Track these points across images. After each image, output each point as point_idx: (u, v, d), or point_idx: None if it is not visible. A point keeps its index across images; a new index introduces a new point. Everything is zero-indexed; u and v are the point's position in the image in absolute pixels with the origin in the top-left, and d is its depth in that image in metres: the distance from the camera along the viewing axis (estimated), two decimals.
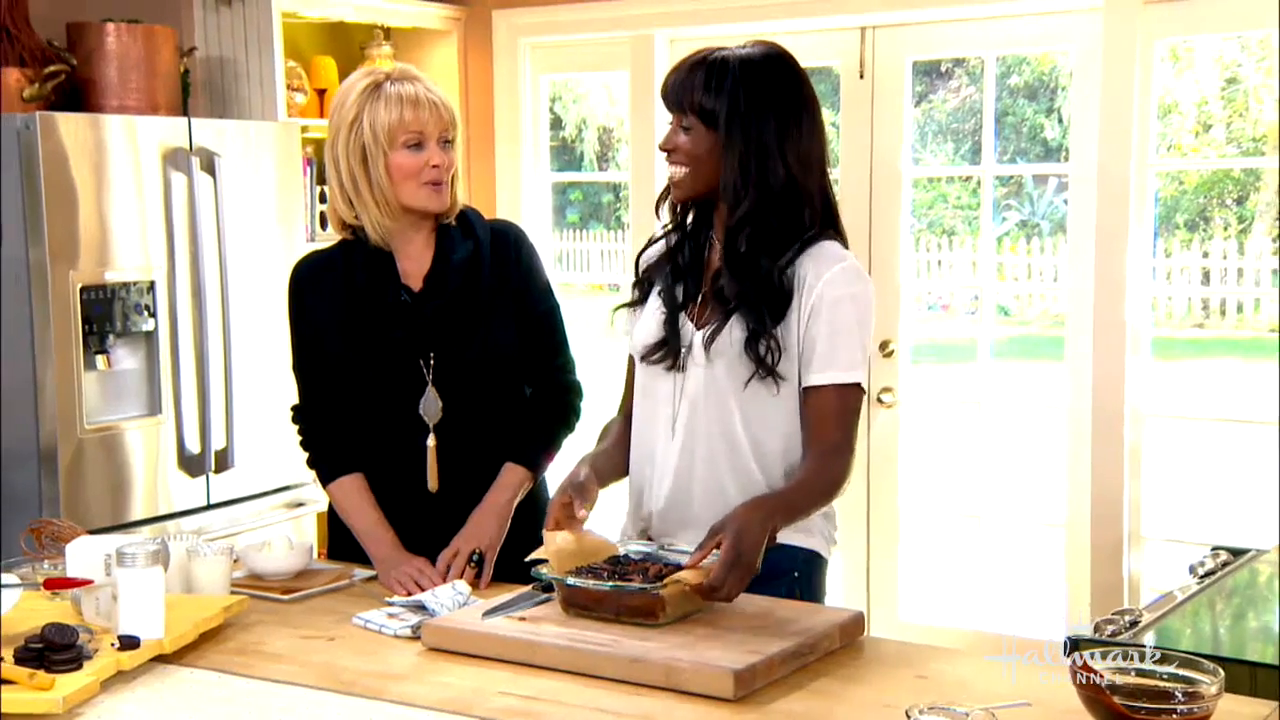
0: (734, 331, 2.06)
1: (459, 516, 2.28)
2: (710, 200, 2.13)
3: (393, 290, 2.28)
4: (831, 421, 2.05)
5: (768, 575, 1.97)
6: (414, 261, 2.30)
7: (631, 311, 2.23)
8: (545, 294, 2.38)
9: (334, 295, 2.31)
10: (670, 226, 2.21)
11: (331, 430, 2.35)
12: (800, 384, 2.07)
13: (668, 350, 2.12)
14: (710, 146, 2.07)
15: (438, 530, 2.27)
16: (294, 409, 2.41)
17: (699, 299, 2.14)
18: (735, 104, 2.05)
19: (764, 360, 2.03)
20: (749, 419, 2.09)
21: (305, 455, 2.40)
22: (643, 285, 2.22)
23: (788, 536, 2.05)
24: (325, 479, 2.36)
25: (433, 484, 2.29)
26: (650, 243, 2.26)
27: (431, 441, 2.28)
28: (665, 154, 2.13)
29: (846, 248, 2.12)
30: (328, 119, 2.31)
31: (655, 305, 2.17)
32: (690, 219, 2.18)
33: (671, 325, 2.13)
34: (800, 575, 2.14)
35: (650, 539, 2.17)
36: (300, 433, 2.40)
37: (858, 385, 2.07)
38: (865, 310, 2.08)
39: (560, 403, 2.39)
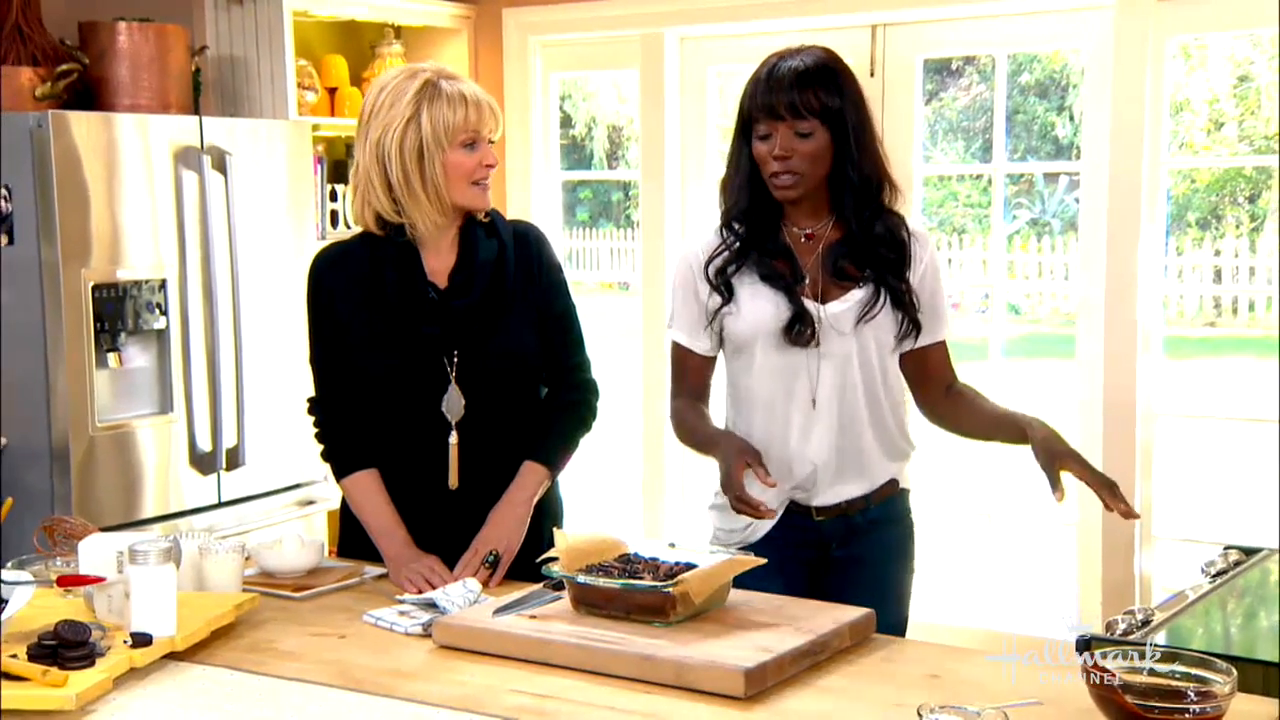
0: (883, 298, 2.26)
1: (478, 514, 2.28)
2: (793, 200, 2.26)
3: (422, 286, 2.28)
4: (951, 366, 2.37)
5: (889, 520, 2.36)
6: (440, 259, 2.30)
7: (713, 320, 2.30)
8: (564, 294, 2.39)
9: (358, 288, 2.30)
10: (729, 237, 2.30)
11: (348, 424, 2.34)
12: (920, 342, 2.32)
13: (803, 325, 2.24)
14: (825, 147, 2.22)
15: (456, 527, 2.28)
16: (310, 401, 2.39)
17: (803, 280, 2.27)
18: (854, 101, 2.24)
19: (913, 316, 2.27)
20: (886, 375, 2.31)
21: (320, 448, 2.38)
22: (726, 288, 2.29)
23: (904, 480, 2.39)
24: (339, 473, 2.35)
25: (453, 481, 2.29)
26: (713, 256, 2.30)
27: (454, 439, 2.28)
28: (779, 161, 2.21)
29: None
30: (365, 116, 2.25)
31: (764, 292, 2.26)
32: (748, 227, 2.29)
33: (798, 304, 2.25)
34: (911, 519, 2.43)
35: (798, 500, 2.33)
36: (316, 425, 2.38)
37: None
38: None
39: (578, 402, 2.39)
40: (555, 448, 2.35)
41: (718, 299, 2.29)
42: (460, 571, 2.20)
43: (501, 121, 2.29)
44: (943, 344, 2.37)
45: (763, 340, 2.27)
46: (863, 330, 2.26)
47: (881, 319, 2.26)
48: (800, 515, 2.32)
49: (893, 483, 2.37)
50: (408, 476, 2.32)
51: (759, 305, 2.26)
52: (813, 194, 2.26)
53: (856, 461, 2.31)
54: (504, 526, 2.27)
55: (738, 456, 2.12)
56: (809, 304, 2.25)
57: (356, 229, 2.36)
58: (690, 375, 2.37)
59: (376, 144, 2.22)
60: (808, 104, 2.18)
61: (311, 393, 2.39)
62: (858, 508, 2.33)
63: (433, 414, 2.28)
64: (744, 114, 2.25)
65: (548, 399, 2.39)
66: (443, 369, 2.28)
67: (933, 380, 2.37)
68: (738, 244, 2.29)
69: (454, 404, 2.28)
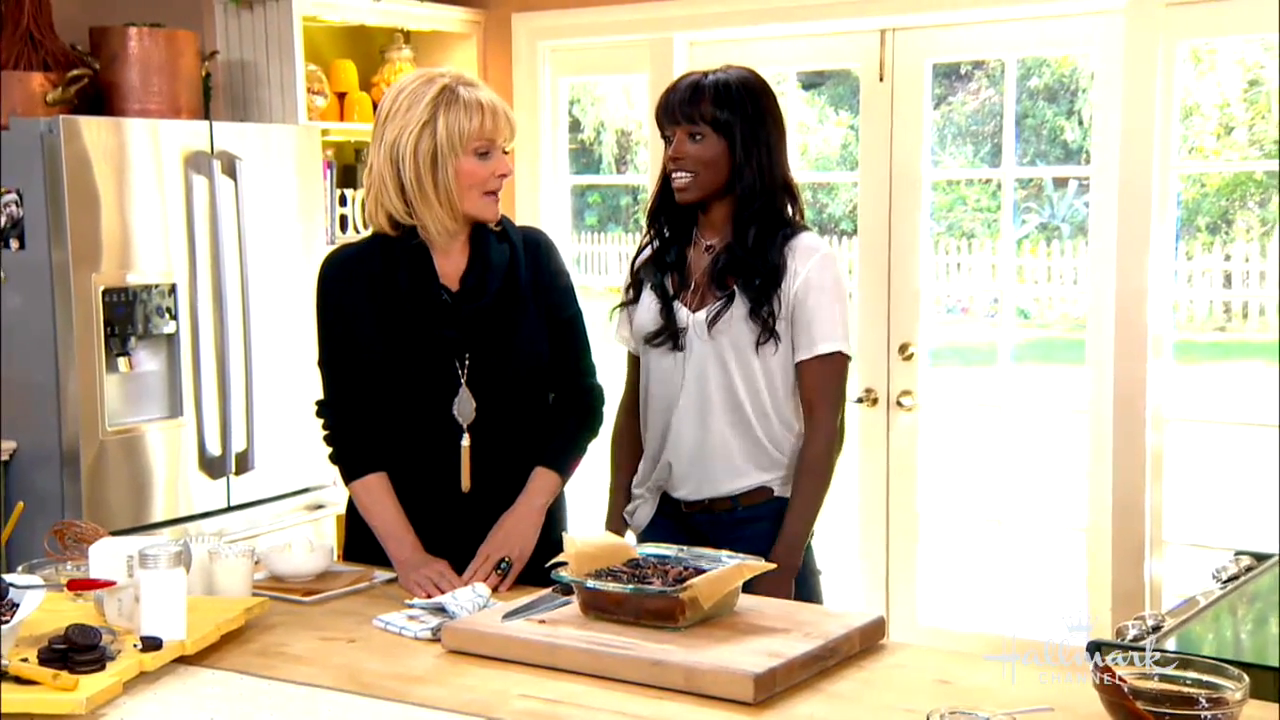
0: (736, 310, 2.37)
1: (489, 517, 2.28)
2: (695, 208, 2.43)
3: (435, 289, 2.28)
4: (823, 389, 2.40)
5: (758, 520, 2.40)
6: (451, 261, 2.31)
7: (624, 311, 2.53)
8: (572, 300, 2.41)
9: (370, 289, 2.30)
10: (653, 235, 2.51)
11: (357, 427, 2.34)
12: (795, 358, 2.40)
13: (667, 334, 2.42)
14: (719, 153, 2.37)
15: (468, 531, 2.28)
16: (319, 404, 2.39)
17: (690, 288, 2.44)
18: (746, 115, 2.37)
19: (768, 323, 2.35)
20: (749, 382, 2.40)
21: (328, 451, 2.37)
22: (636, 286, 2.51)
23: (779, 491, 2.43)
24: (348, 477, 2.35)
25: (466, 484, 2.30)
26: (640, 250, 2.54)
27: (466, 442, 2.29)
28: (674, 162, 2.40)
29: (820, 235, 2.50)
30: (381, 118, 2.25)
31: (650, 299, 2.47)
32: (668, 229, 2.48)
33: (668, 312, 2.43)
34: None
35: (668, 492, 2.48)
36: (325, 428, 2.37)
37: (841, 353, 2.41)
38: (842, 290, 2.44)
39: (584, 408, 2.40)
40: (566, 454, 2.36)
41: (631, 295, 2.51)
42: (470, 576, 2.20)
43: (515, 130, 2.29)
44: (812, 365, 2.39)
45: (641, 344, 2.48)
46: (719, 336, 2.38)
47: (738, 325, 2.37)
48: (673, 506, 2.49)
49: (764, 489, 2.43)
50: (418, 480, 2.32)
51: (642, 313, 2.47)
52: (715, 206, 2.41)
53: (720, 463, 2.42)
54: (517, 533, 2.27)
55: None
56: (683, 311, 2.42)
57: (366, 232, 2.36)
58: (630, 373, 2.56)
59: (391, 146, 2.23)
60: (701, 111, 2.36)
61: (321, 395, 2.39)
62: (723, 507, 2.44)
63: (443, 417, 2.28)
64: (658, 124, 2.44)
65: (555, 404, 2.39)
66: (454, 372, 2.28)
67: (802, 398, 2.42)
68: (658, 245, 2.48)
69: (465, 407, 2.28)
